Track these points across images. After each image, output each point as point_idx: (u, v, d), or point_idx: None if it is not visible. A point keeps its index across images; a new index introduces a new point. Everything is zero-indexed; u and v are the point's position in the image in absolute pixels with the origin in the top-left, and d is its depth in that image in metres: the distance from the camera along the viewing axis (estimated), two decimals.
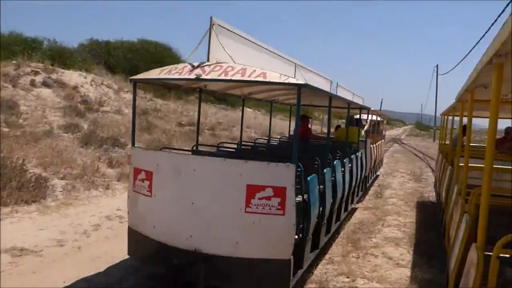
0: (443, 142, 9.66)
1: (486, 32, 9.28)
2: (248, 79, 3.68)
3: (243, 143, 7.47)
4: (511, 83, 3.51)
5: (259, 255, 3.60)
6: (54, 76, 15.55)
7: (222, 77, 3.71)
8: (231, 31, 4.59)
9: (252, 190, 3.54)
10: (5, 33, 18.97)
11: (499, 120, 9.44)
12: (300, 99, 3.86)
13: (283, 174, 3.54)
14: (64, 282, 4.23)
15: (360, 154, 7.77)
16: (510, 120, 9.25)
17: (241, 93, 6.60)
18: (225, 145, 7.02)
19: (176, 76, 3.96)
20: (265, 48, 5.46)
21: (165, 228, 3.93)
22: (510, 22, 1.71)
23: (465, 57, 16.16)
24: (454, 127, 8.32)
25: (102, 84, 17.75)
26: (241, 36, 4.82)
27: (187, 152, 5.64)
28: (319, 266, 4.99)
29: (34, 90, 13.91)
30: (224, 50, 4.27)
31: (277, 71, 3.98)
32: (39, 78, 14.77)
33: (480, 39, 10.55)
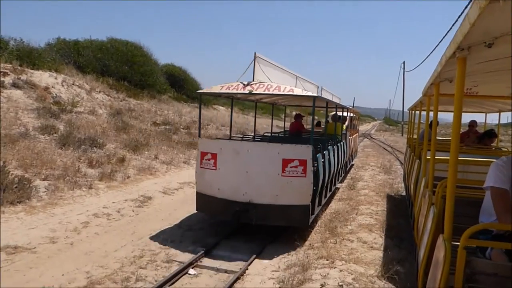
0: (411, 137, 9.95)
1: (450, 29, 9.47)
2: (283, 93, 5.94)
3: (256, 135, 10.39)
4: (475, 77, 3.60)
5: (290, 202, 5.77)
6: (23, 77, 15.29)
7: (266, 92, 5.88)
8: (265, 60, 6.75)
9: (285, 162, 5.71)
10: None
11: (468, 114, 9.73)
12: (314, 105, 6.25)
13: (305, 151, 5.76)
14: (63, 275, 4.49)
15: (342, 144, 9.86)
16: (476, 113, 9.89)
17: (254, 98, 8.80)
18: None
19: (234, 91, 6.03)
20: (278, 67, 7.49)
21: (227, 189, 5.95)
22: (471, 15, 1.70)
23: (430, 54, 17.03)
24: (421, 121, 8.61)
25: (73, 84, 17.58)
26: (269, 62, 6.96)
27: None
28: (301, 252, 5.45)
29: (4, 92, 13.68)
30: (264, 73, 6.47)
31: (287, 83, 6.69)
32: (8, 79, 14.52)
33: (445, 35, 11.04)
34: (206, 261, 5.18)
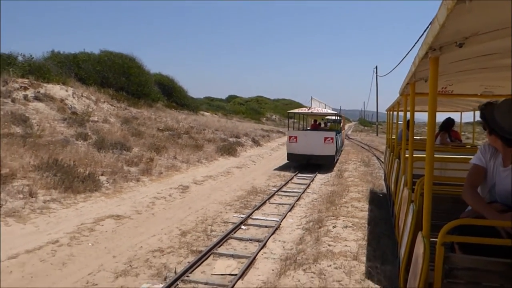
0: (390, 137, 9.96)
1: (423, 32, 10.86)
2: (324, 111, 17.94)
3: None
4: (449, 76, 3.78)
5: (327, 154, 15.27)
6: (42, 90, 17.23)
7: (318, 111, 16.94)
8: (314, 98, 17.57)
9: (325, 138, 15.24)
10: None
11: (445, 113, 10.83)
12: (336, 117, 21.10)
13: (332, 134, 15.62)
14: (162, 229, 6.82)
15: (340, 134, 18.71)
16: (451, 112, 9.60)
17: (312, 114, 19.19)
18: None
19: (305, 111, 17.27)
20: (315, 99, 17.67)
21: (302, 150, 15.15)
22: (439, 16, 1.74)
23: (403, 59, 19.94)
24: (400, 122, 8.63)
25: (82, 96, 19.56)
26: (314, 98, 17.56)
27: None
28: (314, 215, 7.94)
29: (30, 105, 15.62)
30: (314, 103, 17.37)
31: (316, 105, 16.62)
32: (30, 93, 16.44)
33: (418, 39, 13.51)
34: (250, 221, 7.59)
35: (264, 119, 51.45)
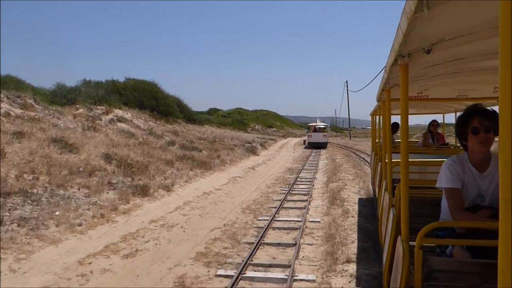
0: (377, 141, 10.04)
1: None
2: (321, 124, 42.87)
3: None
4: (423, 81, 4.20)
5: (324, 141, 39.05)
6: (118, 114, 25.57)
7: (319, 125, 42.30)
8: (318, 118, 50.92)
9: (323, 135, 39.50)
10: (53, 85, 28.20)
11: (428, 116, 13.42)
12: (326, 128, 44.69)
13: (326, 133, 41.20)
14: (264, 180, 15.79)
15: (327, 133, 42.82)
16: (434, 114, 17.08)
17: (318, 126, 41.57)
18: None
19: (314, 124, 43.24)
20: (318, 118, 36.12)
21: (313, 140, 38.45)
22: (402, 25, 1.89)
23: (376, 77, 29.60)
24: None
25: (137, 117, 27.96)
26: (318, 117, 37.66)
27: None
28: (330, 173, 17.09)
29: (117, 125, 23.94)
30: (318, 120, 33.13)
31: (318, 122, 36.56)
32: (112, 117, 24.74)
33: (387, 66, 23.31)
34: (300, 178, 16.61)
35: (249, 129, 60.34)
